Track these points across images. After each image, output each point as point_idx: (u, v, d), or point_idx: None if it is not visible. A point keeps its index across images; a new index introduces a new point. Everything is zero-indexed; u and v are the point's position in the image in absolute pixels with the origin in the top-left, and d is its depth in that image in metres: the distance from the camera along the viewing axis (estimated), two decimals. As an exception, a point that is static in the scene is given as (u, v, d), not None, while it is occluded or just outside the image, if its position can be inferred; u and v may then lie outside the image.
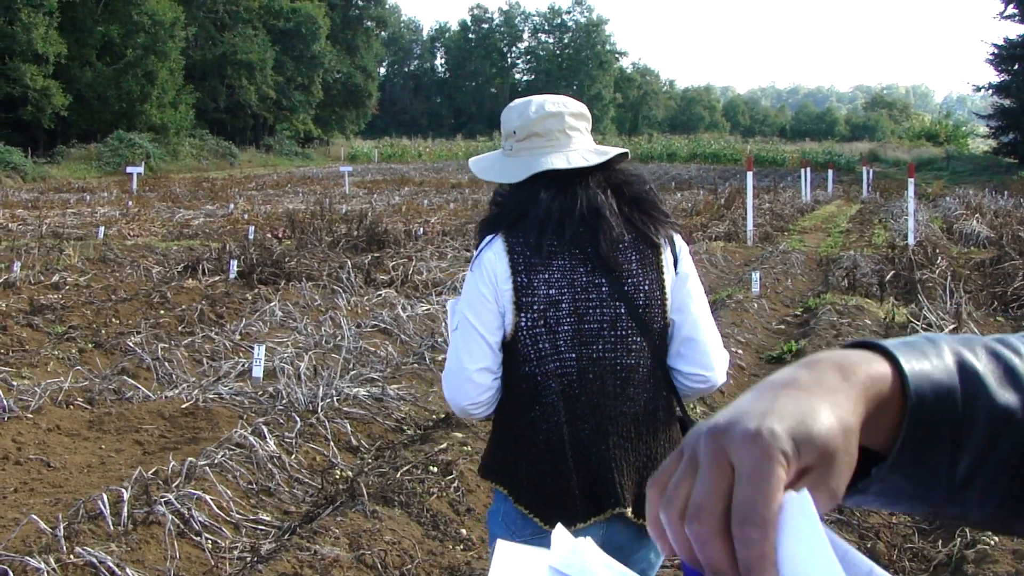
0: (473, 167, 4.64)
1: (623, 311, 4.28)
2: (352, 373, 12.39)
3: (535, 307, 4.24)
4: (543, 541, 3.72)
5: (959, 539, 7.60)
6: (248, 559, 7.34)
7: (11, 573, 6.53)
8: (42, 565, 6.61)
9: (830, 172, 57.26)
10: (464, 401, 4.32)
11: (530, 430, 4.30)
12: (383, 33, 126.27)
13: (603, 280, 4.27)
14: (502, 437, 4.45)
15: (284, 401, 10.96)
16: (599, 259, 4.26)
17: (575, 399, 4.27)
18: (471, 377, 4.27)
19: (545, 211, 4.26)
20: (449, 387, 4.36)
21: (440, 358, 13.03)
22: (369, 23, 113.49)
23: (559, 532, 1.50)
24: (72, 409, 11.07)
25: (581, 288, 4.26)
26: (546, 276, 4.25)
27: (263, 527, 8.06)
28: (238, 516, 8.03)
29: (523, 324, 4.24)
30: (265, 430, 9.56)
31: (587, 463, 4.27)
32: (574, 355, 4.26)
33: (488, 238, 4.36)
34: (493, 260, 4.27)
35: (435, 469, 8.67)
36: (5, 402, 10.64)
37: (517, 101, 4.57)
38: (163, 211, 35.78)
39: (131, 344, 13.55)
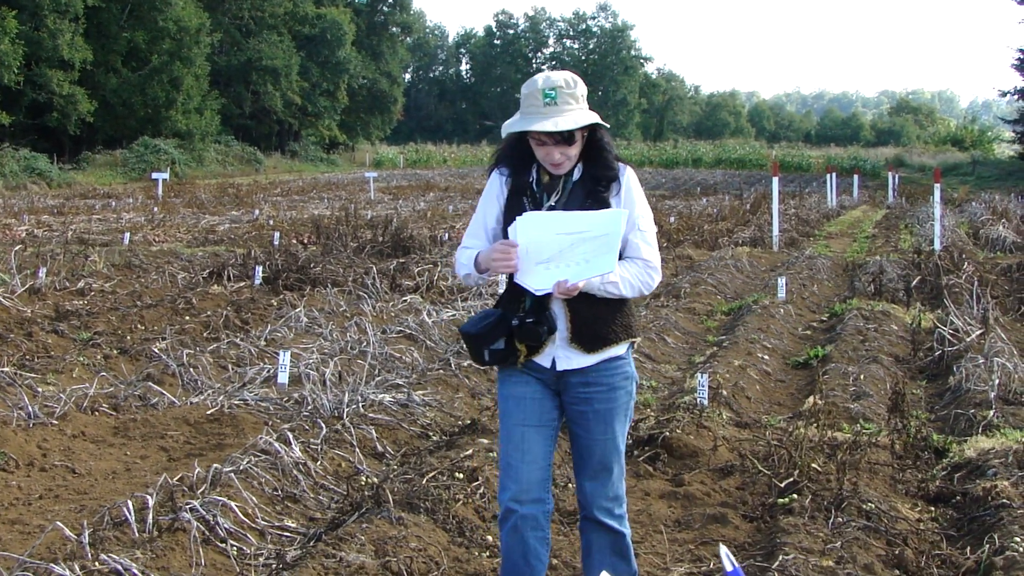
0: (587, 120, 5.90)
1: None
2: (377, 379, 12.40)
3: None
4: None
5: (988, 546, 7.54)
6: (273, 566, 7.34)
7: (36, 580, 6.52)
8: (67, 572, 6.61)
9: (855, 177, 57.24)
10: None
11: None
12: (408, 39, 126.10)
13: None
14: (635, 308, 6.30)
15: (309, 407, 10.96)
16: None
17: None
18: None
19: None
20: (659, 277, 6.15)
21: (465, 363, 13.00)
22: (394, 29, 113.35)
23: None
24: (97, 415, 11.09)
25: None
26: None
27: (288, 534, 8.05)
28: (263, 523, 8.02)
29: None
30: (290, 436, 9.55)
31: None
32: None
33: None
34: None
35: (461, 475, 8.66)
36: (31, 408, 10.66)
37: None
38: (188, 217, 35.86)
39: (156, 350, 13.57)
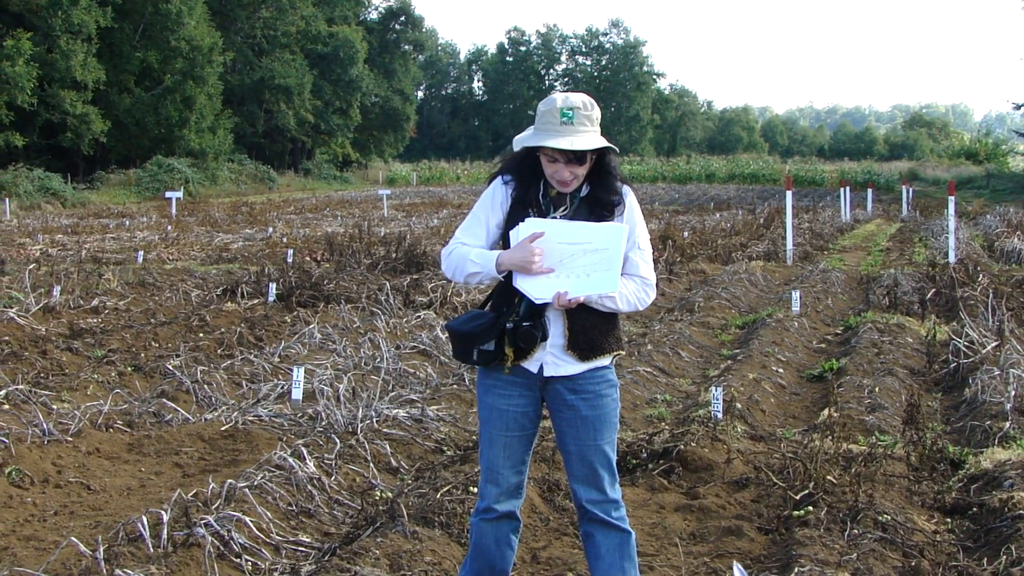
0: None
1: None
2: (391, 395, 12.39)
3: None
4: None
5: (1005, 557, 7.53)
6: (288, 581, 7.32)
7: (51, 596, 6.52)
8: (82, 587, 6.61)
9: (869, 191, 57.08)
10: None
11: None
12: (420, 57, 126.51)
13: None
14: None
15: (323, 423, 10.96)
16: None
17: None
18: None
19: None
20: (654, 295, 6.34)
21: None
22: (406, 47, 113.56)
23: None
24: (112, 432, 11.08)
25: None
26: None
27: (303, 549, 8.04)
28: (278, 538, 8.01)
29: None
30: (304, 452, 9.55)
31: None
32: None
33: None
34: None
35: (474, 489, 8.62)
36: (45, 425, 10.66)
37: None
38: (202, 235, 35.90)
39: (170, 367, 13.57)
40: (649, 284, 6.23)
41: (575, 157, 5.94)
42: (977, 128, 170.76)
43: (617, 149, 6.17)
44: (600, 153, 6.11)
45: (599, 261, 5.89)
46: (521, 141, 6.11)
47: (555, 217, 6.08)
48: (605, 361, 6.22)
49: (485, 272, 6.04)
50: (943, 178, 79.16)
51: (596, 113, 6.05)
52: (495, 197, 6.25)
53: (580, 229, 5.94)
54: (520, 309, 6.03)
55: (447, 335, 7.09)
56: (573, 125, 5.92)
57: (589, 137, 5.96)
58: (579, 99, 6.02)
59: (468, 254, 6.09)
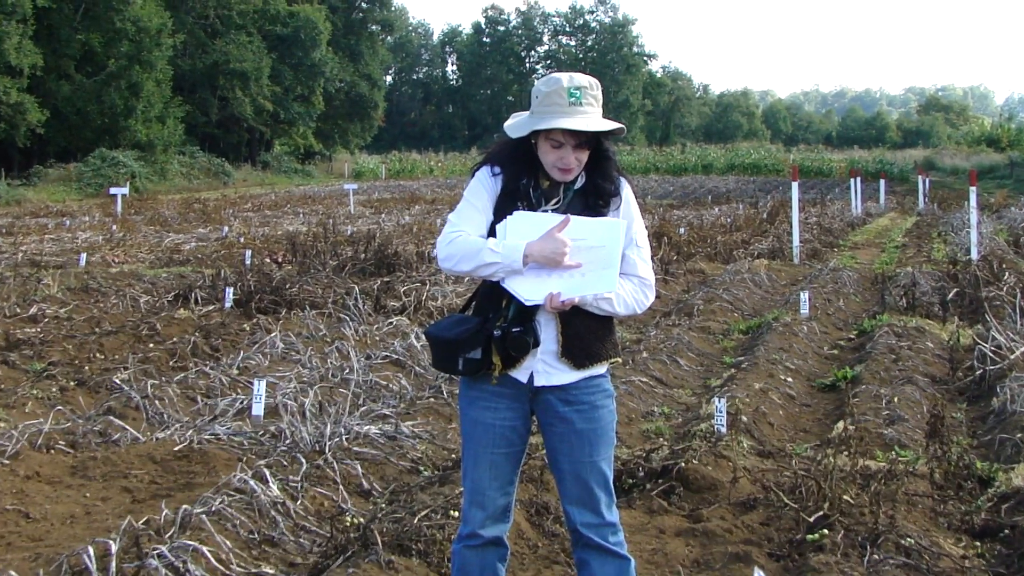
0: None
1: None
2: (362, 409, 12.36)
3: None
4: None
5: (1041, 584, 7.49)
6: (250, 617, 7.27)
7: (-13, 636, 6.46)
8: (22, 627, 6.55)
9: (882, 182, 57.28)
10: None
11: None
12: (389, 38, 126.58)
13: None
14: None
15: (288, 441, 10.92)
16: None
17: None
18: None
19: None
20: (653, 296, 6.33)
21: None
22: (374, 27, 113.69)
23: None
24: (53, 454, 11.02)
25: None
26: None
27: (266, 581, 7.99)
28: (239, 569, 7.96)
29: None
30: (267, 473, 9.49)
31: None
32: None
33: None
34: None
35: (456, 513, 8.57)
36: (-21, 447, 10.59)
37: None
38: (151, 235, 35.82)
39: (117, 381, 13.51)
40: (648, 285, 6.21)
41: (585, 141, 5.92)
42: (999, 112, 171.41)
43: (625, 129, 6.18)
44: (598, 139, 6.05)
45: (596, 259, 5.84)
46: (523, 126, 6.05)
47: (546, 211, 6.01)
48: (600, 369, 6.19)
49: (506, 264, 5.87)
50: (962, 167, 79.39)
51: (600, 93, 6.04)
52: (484, 185, 6.16)
53: (576, 225, 5.87)
54: (508, 313, 5.97)
55: (426, 342, 7.03)
56: (581, 106, 5.90)
57: (599, 118, 5.97)
58: (584, 78, 5.98)
59: (483, 244, 5.93)
